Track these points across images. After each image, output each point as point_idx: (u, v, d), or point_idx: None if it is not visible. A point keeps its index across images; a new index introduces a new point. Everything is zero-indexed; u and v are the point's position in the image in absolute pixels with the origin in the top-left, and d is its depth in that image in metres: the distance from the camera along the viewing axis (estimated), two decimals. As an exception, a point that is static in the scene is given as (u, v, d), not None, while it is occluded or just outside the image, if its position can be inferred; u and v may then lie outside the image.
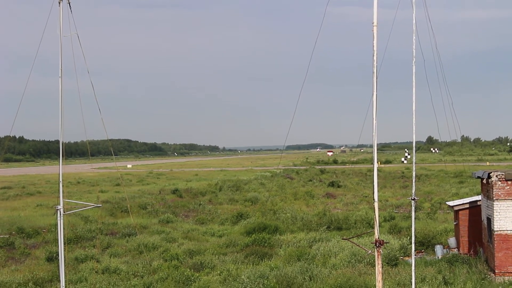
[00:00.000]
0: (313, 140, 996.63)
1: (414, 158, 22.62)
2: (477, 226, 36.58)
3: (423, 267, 32.33)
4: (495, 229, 31.08)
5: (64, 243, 18.23)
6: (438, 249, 37.50)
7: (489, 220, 32.38)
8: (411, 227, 22.61)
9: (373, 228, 17.70)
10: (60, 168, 18.03)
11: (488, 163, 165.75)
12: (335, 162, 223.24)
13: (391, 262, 34.01)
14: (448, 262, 33.53)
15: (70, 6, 17.85)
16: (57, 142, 18.10)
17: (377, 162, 18.12)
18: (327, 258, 35.87)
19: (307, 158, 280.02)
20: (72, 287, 30.12)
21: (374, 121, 17.31)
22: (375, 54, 17.42)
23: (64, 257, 18.34)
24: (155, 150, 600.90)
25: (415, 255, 24.35)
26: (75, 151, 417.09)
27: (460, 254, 36.10)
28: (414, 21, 20.78)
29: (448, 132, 23.12)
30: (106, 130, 21.80)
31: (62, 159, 18.24)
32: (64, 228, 18.03)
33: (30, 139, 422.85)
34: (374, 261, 17.87)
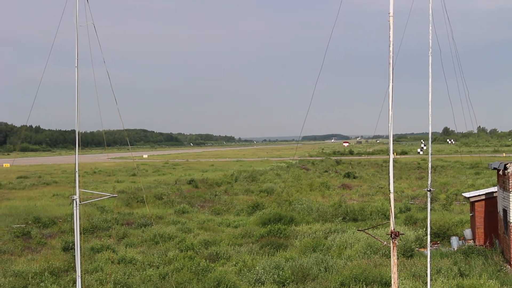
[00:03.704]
0: (329, 131, 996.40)
1: (430, 149, 22.54)
2: (493, 217, 36.44)
3: (438, 259, 32.25)
4: (511, 221, 30.94)
5: (80, 233, 18.28)
6: (454, 241, 37.40)
7: (505, 212, 32.24)
8: (427, 218, 22.54)
9: (389, 219, 17.66)
10: (76, 158, 18.08)
11: (504, 154, 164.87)
12: (351, 153, 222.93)
13: (406, 253, 33.95)
14: (463, 253, 33.44)
15: (86, -4, 17.85)
16: (74, 132, 18.13)
17: (393, 153, 18.07)
18: (342, 249, 35.85)
19: (322, 149, 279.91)
20: (88, 277, 30.21)
21: (390, 112, 17.23)
22: (391, 45, 17.32)
23: (80, 247, 18.40)
24: (171, 140, 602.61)
25: (430, 246, 24.32)
26: (91, 141, 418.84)
27: (476, 245, 36.00)
28: (430, 11, 20.67)
29: (465, 123, 23.08)
30: (122, 120, 21.86)
31: (78, 149, 18.28)
32: (80, 218, 18.08)
33: (47, 128, 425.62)
34: (390, 252, 17.84)
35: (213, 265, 32.50)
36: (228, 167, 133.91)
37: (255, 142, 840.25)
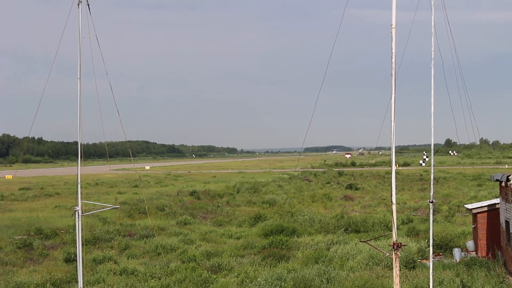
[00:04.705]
0: (331, 143, 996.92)
1: (432, 160, 22.52)
2: (496, 229, 36.36)
3: (441, 270, 32.16)
4: (514, 233, 30.88)
5: (82, 244, 18.28)
6: (456, 252, 37.31)
7: (508, 223, 32.19)
8: (429, 230, 22.51)
9: (391, 230, 17.64)
10: (79, 169, 18.09)
11: (506, 166, 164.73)
12: (353, 164, 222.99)
13: (409, 265, 33.87)
14: (466, 265, 33.35)
15: (89, 8, 17.89)
16: (76, 143, 18.13)
17: (395, 165, 18.06)
18: (344, 260, 35.77)
19: (325, 160, 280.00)
20: (90, 288, 30.20)
21: (392, 124, 17.25)
22: (393, 56, 17.35)
23: (82, 258, 18.39)
24: (173, 151, 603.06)
25: (433, 258, 24.27)
26: (94, 153, 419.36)
27: (478, 257, 35.90)
28: (432, 23, 20.71)
29: (467, 135, 23.00)
30: (124, 132, 21.86)
31: (81, 161, 18.30)
32: (82, 229, 18.08)
33: (49, 140, 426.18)
34: (392, 264, 17.81)
35: (215, 276, 32.43)
36: (230, 179, 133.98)
37: (257, 153, 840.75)
